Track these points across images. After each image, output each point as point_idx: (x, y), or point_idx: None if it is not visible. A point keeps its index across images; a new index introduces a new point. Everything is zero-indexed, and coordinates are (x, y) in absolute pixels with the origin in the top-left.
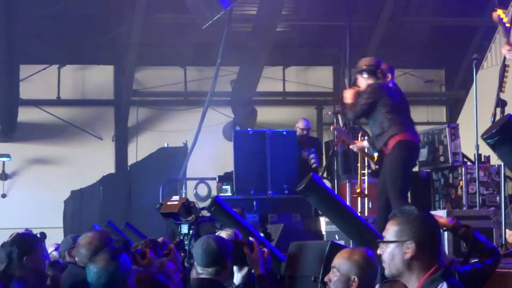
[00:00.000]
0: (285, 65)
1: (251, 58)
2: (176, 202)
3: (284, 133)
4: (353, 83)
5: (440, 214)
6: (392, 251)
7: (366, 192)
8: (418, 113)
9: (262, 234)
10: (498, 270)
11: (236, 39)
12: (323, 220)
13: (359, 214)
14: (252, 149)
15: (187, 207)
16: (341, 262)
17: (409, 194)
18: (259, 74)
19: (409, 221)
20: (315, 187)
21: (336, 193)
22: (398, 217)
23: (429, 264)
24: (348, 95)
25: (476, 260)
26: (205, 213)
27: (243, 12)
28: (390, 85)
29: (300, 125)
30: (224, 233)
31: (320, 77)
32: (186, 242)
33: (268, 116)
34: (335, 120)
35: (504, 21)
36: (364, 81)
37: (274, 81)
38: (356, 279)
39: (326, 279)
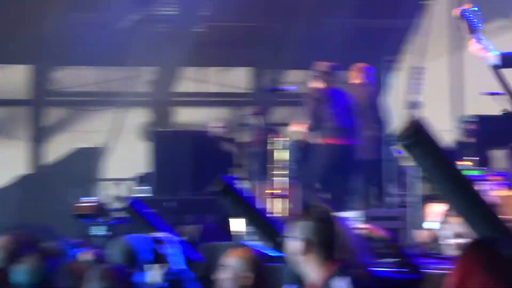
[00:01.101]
0: (204, 66)
1: (170, 59)
2: (92, 204)
3: (204, 133)
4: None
5: (357, 215)
6: (291, 246)
7: (284, 193)
8: None
9: (182, 237)
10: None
11: (155, 39)
12: (243, 221)
13: (275, 215)
14: (172, 149)
15: (102, 209)
16: (233, 261)
17: (329, 195)
18: (178, 75)
19: (306, 219)
20: (229, 189)
21: (254, 194)
22: (300, 215)
23: (328, 262)
24: (298, 129)
25: (403, 270)
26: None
27: (161, 12)
28: (332, 90)
29: (219, 125)
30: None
31: (240, 78)
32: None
33: (188, 116)
34: (251, 122)
35: (469, 16)
36: (315, 85)
37: (194, 82)
38: (248, 276)
39: (218, 277)
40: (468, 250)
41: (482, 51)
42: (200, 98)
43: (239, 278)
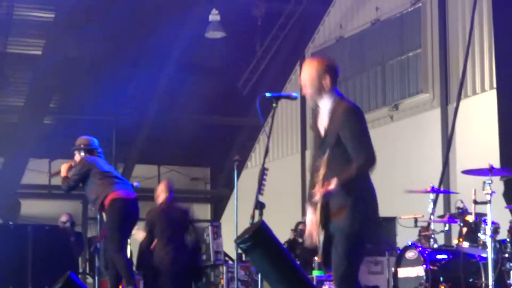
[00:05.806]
0: (50, 158)
1: (16, 150)
2: None
3: (47, 227)
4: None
5: None
6: None
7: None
8: None
9: None
10: None
11: (2, 129)
12: None
13: None
14: (13, 243)
15: None
16: None
17: None
18: (24, 166)
19: None
20: (71, 284)
21: None
22: None
23: None
24: (63, 169)
25: None
26: None
27: (9, 103)
28: (97, 158)
29: (63, 218)
30: None
31: None
32: None
33: (33, 209)
34: (98, 217)
35: None
36: (79, 157)
37: (40, 174)
38: None
39: None
40: None
41: None
42: (46, 190)
43: None
